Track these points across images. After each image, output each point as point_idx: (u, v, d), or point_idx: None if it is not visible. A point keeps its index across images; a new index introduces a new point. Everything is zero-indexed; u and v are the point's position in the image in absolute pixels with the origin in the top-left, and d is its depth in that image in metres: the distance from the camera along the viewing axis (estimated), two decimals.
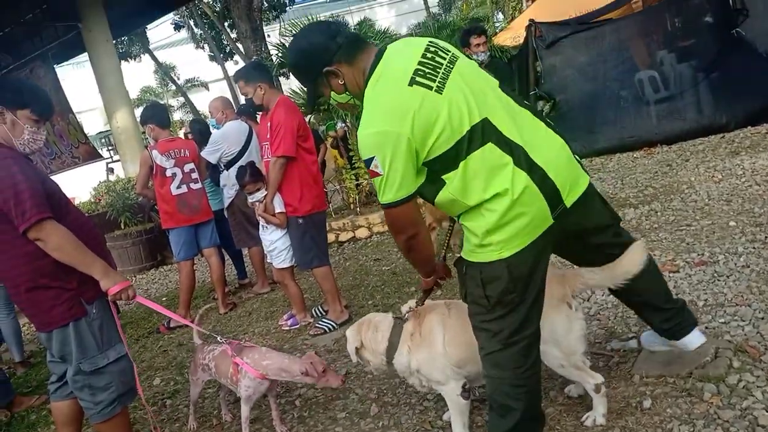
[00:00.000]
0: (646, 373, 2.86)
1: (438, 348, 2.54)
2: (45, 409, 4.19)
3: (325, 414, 3.23)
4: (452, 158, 2.04)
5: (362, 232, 7.28)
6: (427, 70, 2.06)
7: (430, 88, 2.03)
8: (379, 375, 2.88)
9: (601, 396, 2.55)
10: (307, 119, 10.86)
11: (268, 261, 4.81)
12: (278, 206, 4.37)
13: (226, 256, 6.34)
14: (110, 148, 18.87)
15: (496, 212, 2.03)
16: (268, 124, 4.34)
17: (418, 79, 2.04)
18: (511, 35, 11.84)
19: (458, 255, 2.27)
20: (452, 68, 2.11)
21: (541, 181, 2.04)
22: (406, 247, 2.23)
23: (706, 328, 3.14)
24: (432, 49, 2.14)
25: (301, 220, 4.38)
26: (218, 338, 3.18)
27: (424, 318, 2.63)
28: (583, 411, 2.68)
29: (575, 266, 2.67)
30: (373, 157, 2.02)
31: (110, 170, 16.12)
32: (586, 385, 2.56)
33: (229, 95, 18.89)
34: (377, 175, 2.03)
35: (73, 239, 2.67)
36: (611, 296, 3.73)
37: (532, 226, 2.06)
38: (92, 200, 10.18)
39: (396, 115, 2.00)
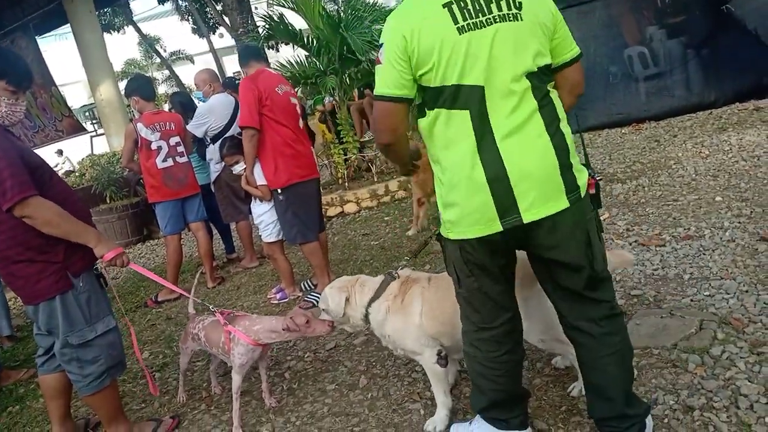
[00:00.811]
0: (632, 345, 2.88)
1: (414, 319, 2.57)
2: (33, 382, 4.18)
3: (315, 386, 3.24)
4: (434, 98, 1.95)
5: (351, 207, 7.26)
6: (472, 6, 1.91)
7: (456, 21, 1.89)
8: (354, 332, 2.89)
9: None
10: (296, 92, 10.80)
11: (257, 234, 4.78)
12: (259, 178, 4.34)
13: (214, 231, 6.30)
14: (94, 121, 18.64)
15: (444, 188, 2.01)
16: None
17: (453, 7, 1.91)
18: None
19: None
20: (498, 22, 1.89)
21: (495, 180, 1.88)
22: (383, 151, 2.27)
23: (691, 300, 3.19)
24: None
25: (281, 195, 4.32)
26: (210, 307, 3.17)
27: (409, 286, 2.66)
28: (569, 381, 2.71)
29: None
30: (382, 44, 1.99)
31: (59, 152, 15.87)
32: (570, 356, 2.58)
33: (214, 68, 18.64)
34: (378, 63, 2.00)
35: (61, 212, 2.64)
36: None
37: (472, 220, 1.94)
38: (77, 174, 10.06)
39: (411, 21, 1.93)
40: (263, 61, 4.62)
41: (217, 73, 6.22)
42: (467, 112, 1.90)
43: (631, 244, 4.13)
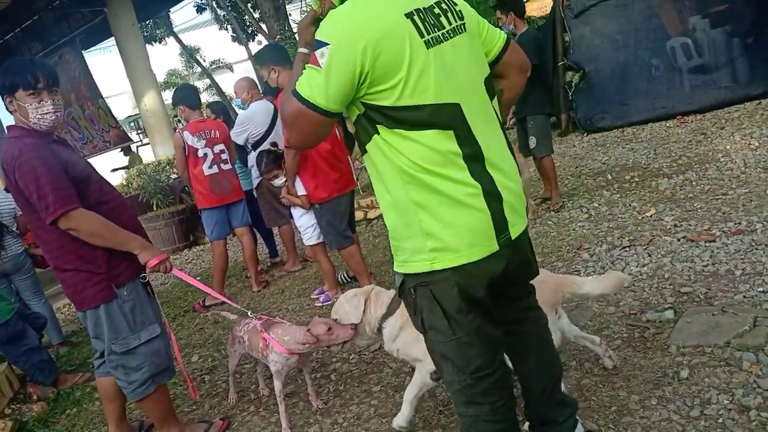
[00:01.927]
0: (682, 344, 2.83)
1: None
2: (89, 386, 4.33)
3: (360, 387, 3.27)
4: (399, 121, 1.72)
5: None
6: (428, 20, 1.76)
7: (421, 35, 1.72)
8: (362, 346, 2.89)
9: (604, 347, 2.70)
10: None
11: (300, 239, 4.85)
12: (300, 189, 4.42)
13: (258, 236, 6.41)
14: (139, 131, 19.12)
15: (431, 212, 1.75)
16: None
17: (416, 18, 1.73)
18: (538, 5, 11.60)
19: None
20: (452, 37, 1.80)
21: (490, 195, 1.77)
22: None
23: (744, 297, 3.10)
24: (444, 7, 1.83)
25: (317, 206, 4.43)
26: (249, 314, 3.22)
27: None
28: (618, 381, 2.67)
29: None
30: (327, 45, 1.67)
31: (126, 148, 15.33)
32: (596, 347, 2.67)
33: (253, 76, 18.93)
34: (316, 64, 1.69)
35: (105, 222, 2.73)
36: (645, 267, 3.71)
37: (471, 242, 1.76)
38: (124, 183, 10.36)
39: (372, 25, 1.68)
40: (288, 65, 4.48)
41: (256, 81, 6.30)
42: (451, 132, 1.74)
43: (679, 240, 4.03)
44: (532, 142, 5.48)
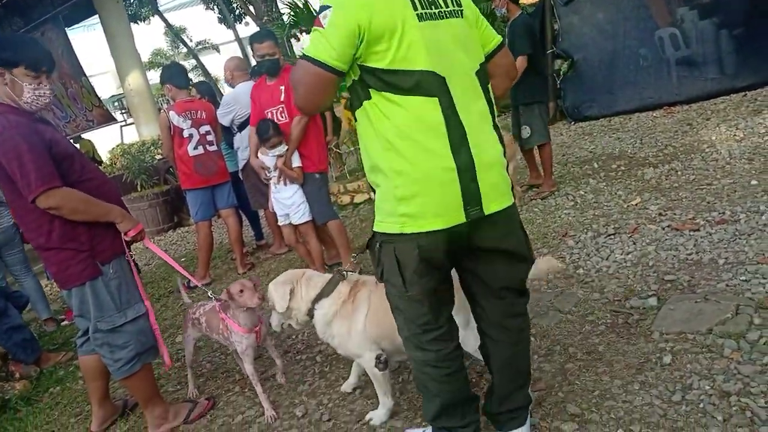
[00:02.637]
0: (665, 330, 2.87)
1: (358, 324, 2.60)
2: (72, 365, 4.31)
3: (346, 369, 3.27)
4: (387, 84, 1.85)
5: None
6: None
7: (415, 7, 1.85)
8: (299, 329, 2.90)
9: None
10: None
11: (281, 224, 4.80)
12: (296, 161, 4.45)
13: (244, 218, 6.37)
14: (123, 111, 18.88)
15: (403, 178, 1.87)
16: (281, 87, 4.38)
17: None
18: None
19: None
20: (447, 17, 1.93)
21: (464, 170, 1.86)
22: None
23: (727, 285, 3.14)
24: None
25: (317, 176, 4.56)
26: (209, 294, 3.26)
27: (358, 289, 2.68)
28: (602, 366, 2.70)
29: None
30: (329, 7, 1.82)
31: None
32: None
33: (240, 56, 18.71)
34: (319, 26, 1.83)
35: (86, 198, 2.72)
36: (630, 255, 3.75)
37: (438, 212, 1.87)
38: (107, 163, 10.25)
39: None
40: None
41: (246, 62, 6.24)
42: (436, 99, 1.84)
43: (663, 229, 4.07)
44: (525, 131, 5.48)
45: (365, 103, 1.91)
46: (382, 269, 2.06)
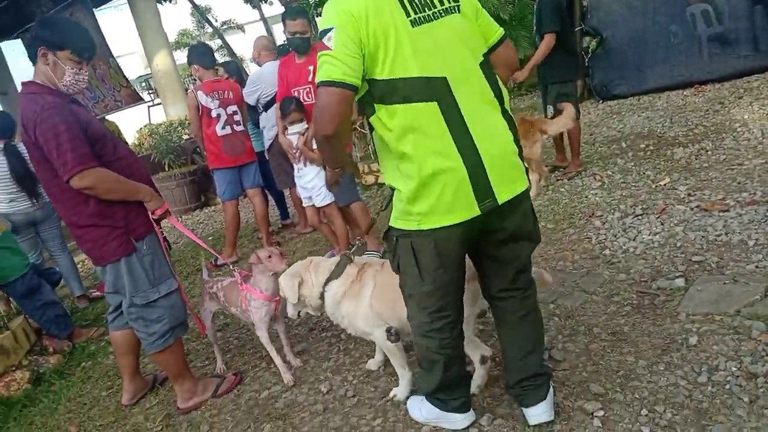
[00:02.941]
0: (692, 311, 2.84)
1: (365, 301, 2.66)
2: (103, 340, 4.42)
3: (369, 347, 3.30)
4: (392, 91, 1.92)
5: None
6: (417, 0, 1.96)
7: (408, 14, 1.92)
8: (317, 313, 2.93)
9: (484, 369, 2.62)
10: None
11: (305, 205, 4.83)
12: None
13: (269, 198, 6.42)
14: (151, 91, 19.03)
15: (415, 180, 1.96)
16: (310, 67, 4.38)
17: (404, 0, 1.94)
18: None
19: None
20: (443, 16, 1.98)
21: (473, 166, 1.93)
22: (321, 144, 2.09)
23: (756, 267, 3.10)
24: None
25: None
26: (230, 266, 3.43)
27: (365, 271, 2.73)
28: (626, 347, 2.70)
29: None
30: (331, 29, 1.89)
31: None
32: (473, 356, 2.60)
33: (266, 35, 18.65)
34: (325, 48, 1.89)
35: (118, 178, 2.78)
36: (657, 236, 3.71)
37: (452, 208, 1.96)
38: (136, 143, 10.38)
39: (365, 8, 1.88)
40: None
41: (273, 41, 6.23)
42: (435, 104, 1.92)
43: (692, 210, 4.01)
44: (550, 110, 5.41)
45: (372, 117, 2.01)
46: (398, 261, 2.17)
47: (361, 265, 2.78)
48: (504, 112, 2.08)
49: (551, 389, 2.33)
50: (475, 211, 1.97)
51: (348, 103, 1.94)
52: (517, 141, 2.09)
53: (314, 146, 4.43)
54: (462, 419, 2.40)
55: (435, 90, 1.92)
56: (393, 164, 2.04)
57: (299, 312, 2.94)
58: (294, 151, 4.54)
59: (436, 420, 2.45)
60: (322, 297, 2.78)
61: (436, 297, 2.14)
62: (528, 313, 2.29)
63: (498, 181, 1.98)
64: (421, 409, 2.52)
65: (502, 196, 2.00)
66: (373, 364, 3.07)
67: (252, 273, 3.26)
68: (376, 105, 1.97)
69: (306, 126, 4.45)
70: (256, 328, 3.19)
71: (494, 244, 2.15)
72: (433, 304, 2.16)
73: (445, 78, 1.93)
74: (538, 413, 2.29)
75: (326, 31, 1.90)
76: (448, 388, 2.35)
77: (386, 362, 3.03)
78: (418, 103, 1.92)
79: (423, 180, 1.95)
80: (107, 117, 12.93)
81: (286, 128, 4.57)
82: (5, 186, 4.86)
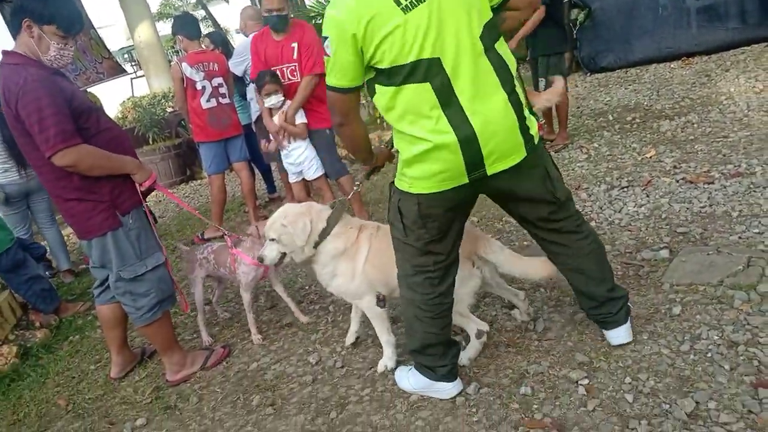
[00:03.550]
0: (676, 282, 2.88)
1: (358, 267, 2.67)
2: (90, 314, 4.41)
3: None
4: (388, 77, 2.04)
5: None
6: None
7: (398, 3, 1.96)
8: (299, 262, 2.81)
9: (479, 342, 2.62)
10: None
11: (291, 182, 4.81)
12: (299, 118, 4.42)
13: (256, 171, 6.38)
14: (133, 63, 18.73)
15: (412, 150, 2.09)
16: (293, 45, 4.34)
17: None
18: None
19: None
20: None
21: (466, 142, 2.01)
22: (336, 132, 2.29)
23: (739, 238, 3.14)
24: None
25: (328, 131, 4.56)
26: (222, 230, 3.58)
27: (360, 234, 2.72)
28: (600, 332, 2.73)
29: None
30: (327, 37, 2.07)
31: None
32: (468, 330, 2.62)
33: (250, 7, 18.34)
34: (327, 55, 2.10)
35: (101, 154, 2.73)
36: (643, 207, 3.74)
37: (442, 178, 2.08)
38: (119, 116, 10.23)
39: (355, 11, 1.98)
40: None
41: (259, 12, 6.12)
42: (428, 84, 1.99)
43: (677, 182, 4.04)
44: (543, 84, 5.37)
45: (374, 97, 2.15)
46: (390, 214, 2.34)
47: (358, 226, 2.76)
48: (506, 83, 2.06)
49: (629, 310, 2.52)
50: (464, 180, 2.08)
51: (351, 100, 2.18)
52: (522, 111, 2.12)
53: (298, 121, 4.40)
54: (450, 388, 2.44)
55: (429, 71, 1.98)
56: (396, 136, 2.18)
57: (281, 258, 2.78)
58: (278, 134, 4.49)
59: (424, 389, 2.49)
60: (315, 247, 2.69)
61: (418, 253, 2.28)
62: (588, 253, 2.38)
63: (491, 153, 2.04)
64: (409, 378, 2.56)
65: (496, 166, 2.07)
66: (350, 337, 3.06)
67: (242, 238, 3.36)
68: (376, 86, 2.10)
69: (283, 99, 4.41)
70: (241, 289, 3.32)
71: (510, 204, 2.35)
72: (415, 258, 2.30)
73: (439, 59, 1.98)
74: (620, 335, 2.49)
75: (325, 38, 2.07)
76: (434, 352, 2.40)
77: (370, 333, 3.06)
78: (412, 85, 2.00)
79: (418, 152, 2.07)
80: (89, 90, 12.76)
81: (271, 111, 4.52)
82: None
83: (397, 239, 2.34)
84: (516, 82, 2.11)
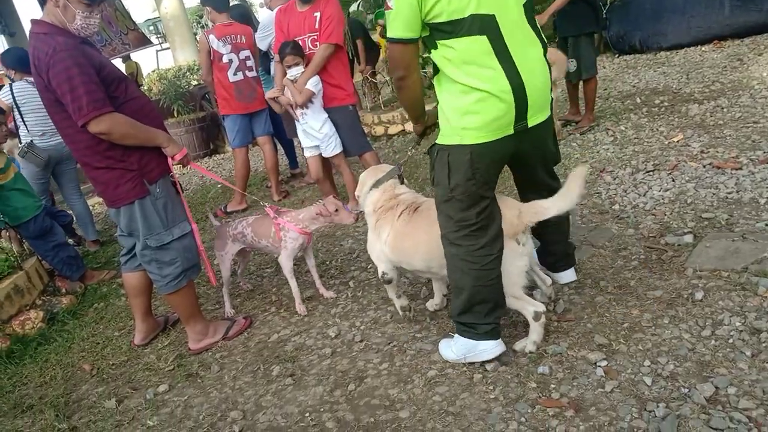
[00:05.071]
0: (699, 267, 2.86)
1: (381, 241, 2.84)
2: (114, 283, 4.50)
3: (378, 294, 3.37)
4: (447, 32, 2.19)
5: (411, 126, 7.18)
6: None
7: None
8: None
9: (539, 324, 2.51)
10: (355, 7, 10.49)
11: (308, 156, 4.80)
12: (311, 85, 4.35)
13: (278, 146, 6.40)
14: (159, 35, 18.78)
15: (466, 100, 2.23)
16: (316, 14, 4.31)
17: None
18: None
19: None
20: None
21: (518, 90, 2.20)
22: (397, 86, 2.42)
23: (766, 225, 3.10)
24: None
25: (350, 107, 4.56)
26: (261, 203, 3.67)
27: (391, 210, 2.86)
28: (632, 300, 2.72)
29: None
30: None
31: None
32: (525, 313, 2.53)
33: None
34: (389, 9, 2.21)
35: (134, 123, 2.76)
36: (668, 192, 3.70)
37: (494, 126, 2.24)
38: (144, 88, 10.30)
39: None
40: None
41: None
42: (485, 37, 2.17)
43: (704, 167, 3.98)
44: (572, 65, 5.24)
45: (433, 51, 2.28)
46: (434, 175, 2.45)
47: (396, 196, 2.89)
48: (542, 44, 2.34)
49: (574, 261, 2.99)
50: (510, 131, 2.27)
51: (411, 52, 2.27)
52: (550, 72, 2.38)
53: (308, 86, 4.36)
54: (493, 347, 2.45)
55: (485, 26, 2.16)
56: (448, 87, 2.29)
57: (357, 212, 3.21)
58: (291, 103, 4.46)
59: (467, 355, 2.50)
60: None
61: (461, 207, 2.37)
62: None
63: (533, 104, 2.26)
64: (452, 347, 2.57)
65: (534, 119, 2.31)
66: (431, 305, 3.09)
67: (285, 211, 3.48)
68: (437, 41, 2.23)
69: (302, 70, 4.38)
70: (284, 257, 3.35)
71: (527, 162, 2.58)
72: (458, 213, 2.38)
73: (494, 15, 2.16)
74: (568, 275, 2.96)
75: None
76: (479, 309, 2.42)
77: (390, 310, 3.09)
78: (471, 37, 2.17)
79: (474, 101, 2.21)
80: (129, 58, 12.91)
81: (283, 87, 4.50)
82: (38, 119, 4.85)
83: (440, 198, 2.44)
84: (544, 49, 2.36)
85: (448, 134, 2.34)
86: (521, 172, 2.70)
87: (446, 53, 2.23)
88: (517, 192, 2.83)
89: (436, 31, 2.21)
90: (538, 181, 2.66)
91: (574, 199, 2.41)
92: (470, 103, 2.22)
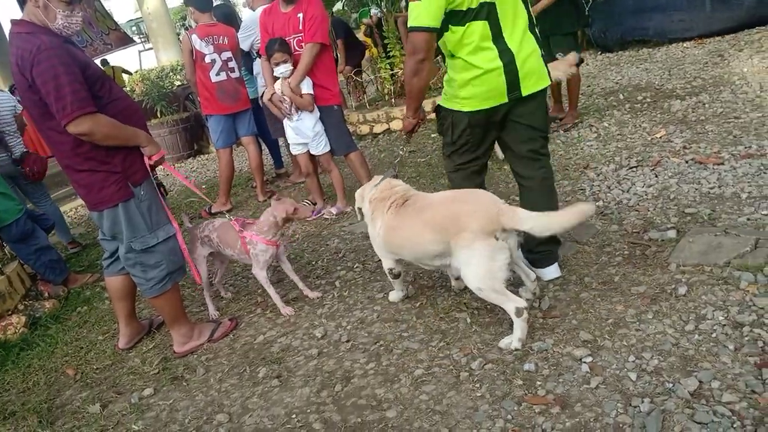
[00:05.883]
0: (683, 262, 2.88)
1: (375, 232, 2.95)
2: (98, 286, 4.45)
3: (364, 294, 3.36)
4: (461, 17, 2.59)
5: (397, 124, 7.21)
6: None
7: None
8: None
9: (522, 320, 2.49)
10: (339, 5, 10.45)
11: (295, 153, 4.79)
12: (306, 88, 4.37)
13: (263, 146, 6.37)
14: (141, 36, 18.64)
15: (466, 75, 2.69)
16: (299, 15, 4.29)
17: None
18: None
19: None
20: None
21: (508, 65, 2.65)
22: (415, 69, 2.70)
23: (748, 219, 3.13)
24: None
25: (336, 107, 4.56)
26: (226, 215, 3.53)
27: (380, 204, 2.92)
28: (617, 296, 2.74)
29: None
30: None
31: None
32: (507, 308, 2.52)
33: None
34: (415, 1, 2.53)
35: (114, 123, 2.73)
36: (651, 188, 3.72)
37: (487, 96, 2.70)
38: (127, 89, 10.21)
39: None
40: None
41: None
42: (486, 22, 2.61)
43: (687, 162, 4.02)
44: (560, 56, 5.26)
45: (446, 34, 2.67)
46: (440, 127, 2.99)
47: (387, 190, 2.94)
48: (533, 29, 2.76)
49: (560, 255, 3.09)
50: (504, 99, 2.71)
51: (434, 39, 2.63)
52: (540, 46, 2.78)
53: (304, 91, 4.36)
54: None
55: (488, 12, 2.59)
56: (452, 63, 2.76)
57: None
58: (283, 103, 4.45)
59: None
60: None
61: (463, 154, 2.95)
62: (546, 178, 2.95)
63: (525, 77, 2.68)
64: None
65: (528, 88, 2.71)
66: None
67: (251, 222, 3.39)
68: (450, 26, 2.63)
69: (291, 68, 4.36)
70: (257, 269, 3.31)
71: (517, 131, 2.86)
72: (458, 158, 2.98)
73: (494, 3, 2.59)
74: (551, 271, 3.01)
75: None
76: None
77: (383, 309, 3.08)
78: (476, 22, 2.59)
79: (471, 77, 2.67)
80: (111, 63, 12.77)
81: (274, 81, 4.48)
82: None
83: (446, 144, 2.99)
84: (535, 28, 2.78)
85: (452, 100, 2.83)
86: (508, 136, 2.93)
87: (458, 36, 2.63)
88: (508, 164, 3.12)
89: (450, 17, 2.58)
90: (522, 151, 2.92)
91: (555, 227, 2.45)
92: (469, 78, 2.67)
